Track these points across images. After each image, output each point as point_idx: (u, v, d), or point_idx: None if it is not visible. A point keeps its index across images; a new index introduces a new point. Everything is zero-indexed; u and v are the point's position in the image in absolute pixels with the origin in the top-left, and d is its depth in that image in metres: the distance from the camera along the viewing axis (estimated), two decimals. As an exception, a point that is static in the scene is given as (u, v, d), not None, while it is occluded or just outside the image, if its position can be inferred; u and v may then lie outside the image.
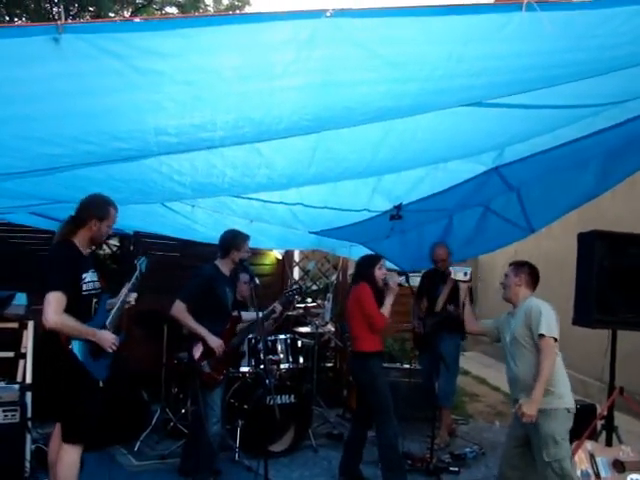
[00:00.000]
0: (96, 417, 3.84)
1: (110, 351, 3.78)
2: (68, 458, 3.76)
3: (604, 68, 3.11)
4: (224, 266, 4.93)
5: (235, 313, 5.10)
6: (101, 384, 3.83)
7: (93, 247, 4.07)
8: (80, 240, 3.80)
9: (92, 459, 4.33)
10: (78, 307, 3.67)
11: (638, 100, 3.87)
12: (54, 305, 3.52)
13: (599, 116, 4.12)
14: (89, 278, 3.80)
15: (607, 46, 2.80)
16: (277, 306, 4.72)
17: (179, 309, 4.73)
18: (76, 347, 3.65)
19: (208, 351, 4.77)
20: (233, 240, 4.91)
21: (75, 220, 3.79)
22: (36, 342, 3.90)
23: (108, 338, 3.76)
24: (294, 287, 5.52)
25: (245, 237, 4.96)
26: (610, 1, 2.44)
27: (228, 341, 4.93)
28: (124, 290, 4.04)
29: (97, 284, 3.89)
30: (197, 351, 4.78)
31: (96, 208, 3.80)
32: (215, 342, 4.76)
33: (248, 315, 5.38)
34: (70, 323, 3.59)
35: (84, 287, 3.75)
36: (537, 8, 2.34)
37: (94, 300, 3.85)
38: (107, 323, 3.86)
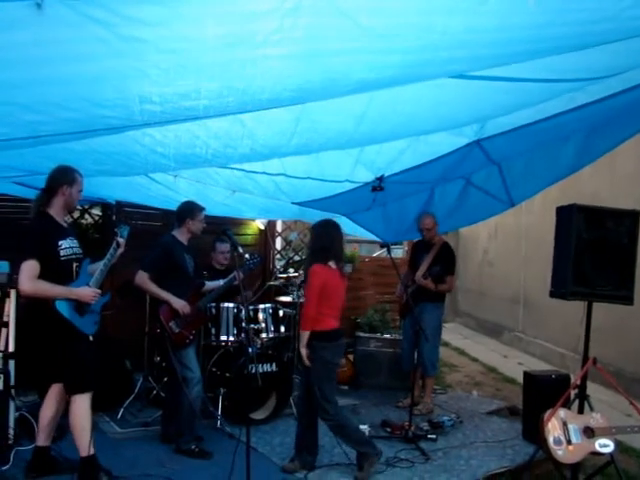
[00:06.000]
0: (92, 365, 4.13)
1: (92, 303, 4.05)
2: (80, 407, 4.06)
3: (586, 43, 3.13)
4: (181, 235, 5.16)
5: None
6: (91, 338, 4.12)
7: (68, 215, 4.41)
8: (55, 209, 4.12)
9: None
10: (58, 272, 3.98)
11: (618, 77, 3.91)
12: (27, 272, 3.83)
13: (580, 91, 4.15)
14: (66, 244, 4.08)
15: (588, 21, 2.82)
16: (238, 274, 4.85)
17: (141, 278, 4.99)
18: (63, 306, 3.93)
19: (175, 313, 4.99)
20: (188, 210, 5.13)
21: (47, 191, 4.10)
22: (22, 310, 4.10)
23: (87, 293, 4.05)
24: (256, 256, 5.67)
25: (200, 208, 5.16)
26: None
27: (193, 304, 5.12)
28: (107, 256, 4.18)
29: (77, 249, 4.18)
30: (164, 313, 4.99)
31: (63, 175, 4.11)
32: (178, 303, 4.99)
33: (212, 283, 5.57)
34: (44, 286, 3.87)
35: (62, 253, 4.05)
36: (520, -18, 2.37)
37: (75, 264, 4.12)
38: (90, 284, 4.11)
